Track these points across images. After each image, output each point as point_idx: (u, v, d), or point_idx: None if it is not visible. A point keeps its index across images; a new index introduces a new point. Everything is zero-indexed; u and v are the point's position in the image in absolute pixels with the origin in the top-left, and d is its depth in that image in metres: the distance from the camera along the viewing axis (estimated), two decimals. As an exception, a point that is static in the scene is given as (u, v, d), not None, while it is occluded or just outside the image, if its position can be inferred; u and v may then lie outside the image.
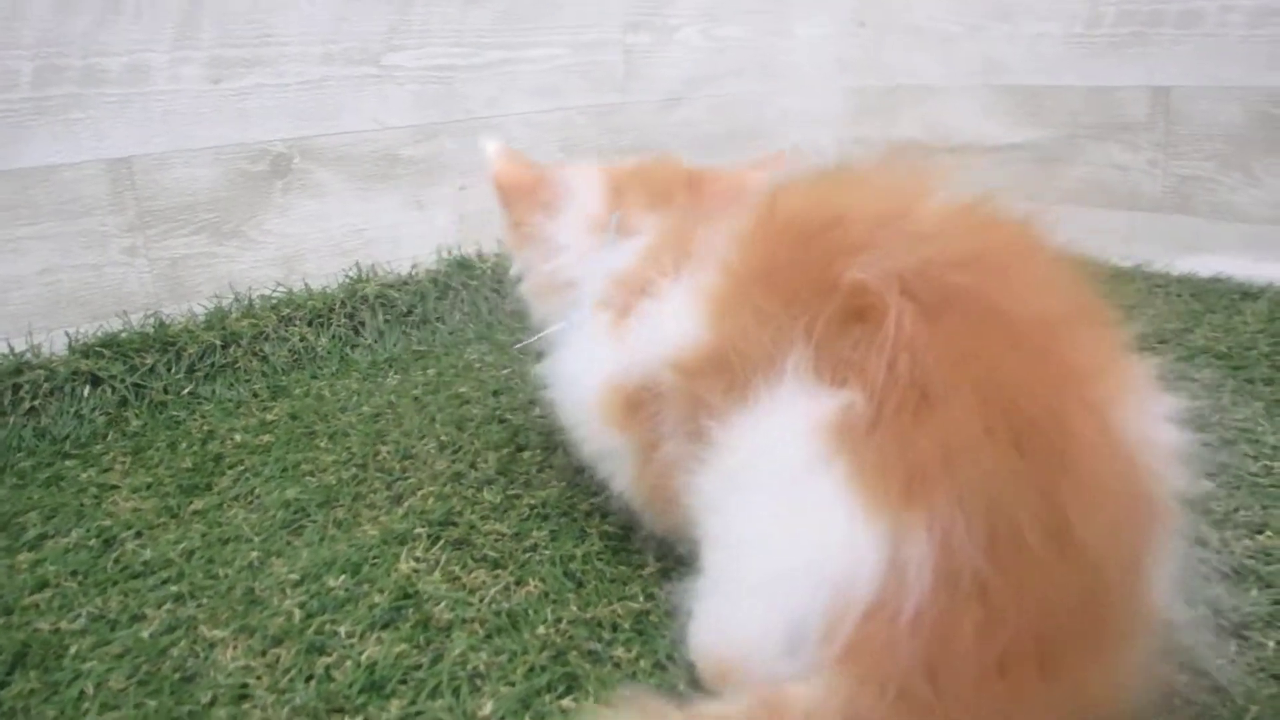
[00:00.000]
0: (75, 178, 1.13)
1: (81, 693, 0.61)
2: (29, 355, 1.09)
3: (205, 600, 0.72)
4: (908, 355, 0.47)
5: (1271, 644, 0.60)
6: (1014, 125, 1.57)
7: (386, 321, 1.29)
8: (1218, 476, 0.79)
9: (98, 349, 1.11)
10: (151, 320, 1.17)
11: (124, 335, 1.14)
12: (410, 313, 1.31)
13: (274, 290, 1.25)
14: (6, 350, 1.08)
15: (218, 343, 1.16)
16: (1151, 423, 0.48)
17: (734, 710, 0.46)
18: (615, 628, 0.66)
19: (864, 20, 1.77)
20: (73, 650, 0.66)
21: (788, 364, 0.50)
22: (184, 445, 1.01)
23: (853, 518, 0.45)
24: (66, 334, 1.12)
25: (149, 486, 0.92)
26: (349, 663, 0.63)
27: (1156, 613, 0.48)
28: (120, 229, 1.17)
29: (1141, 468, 0.46)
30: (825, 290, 0.51)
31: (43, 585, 0.76)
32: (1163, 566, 0.48)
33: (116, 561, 0.79)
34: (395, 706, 0.59)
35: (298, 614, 0.69)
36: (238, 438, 1.02)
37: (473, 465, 0.93)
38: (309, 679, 0.62)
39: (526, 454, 0.95)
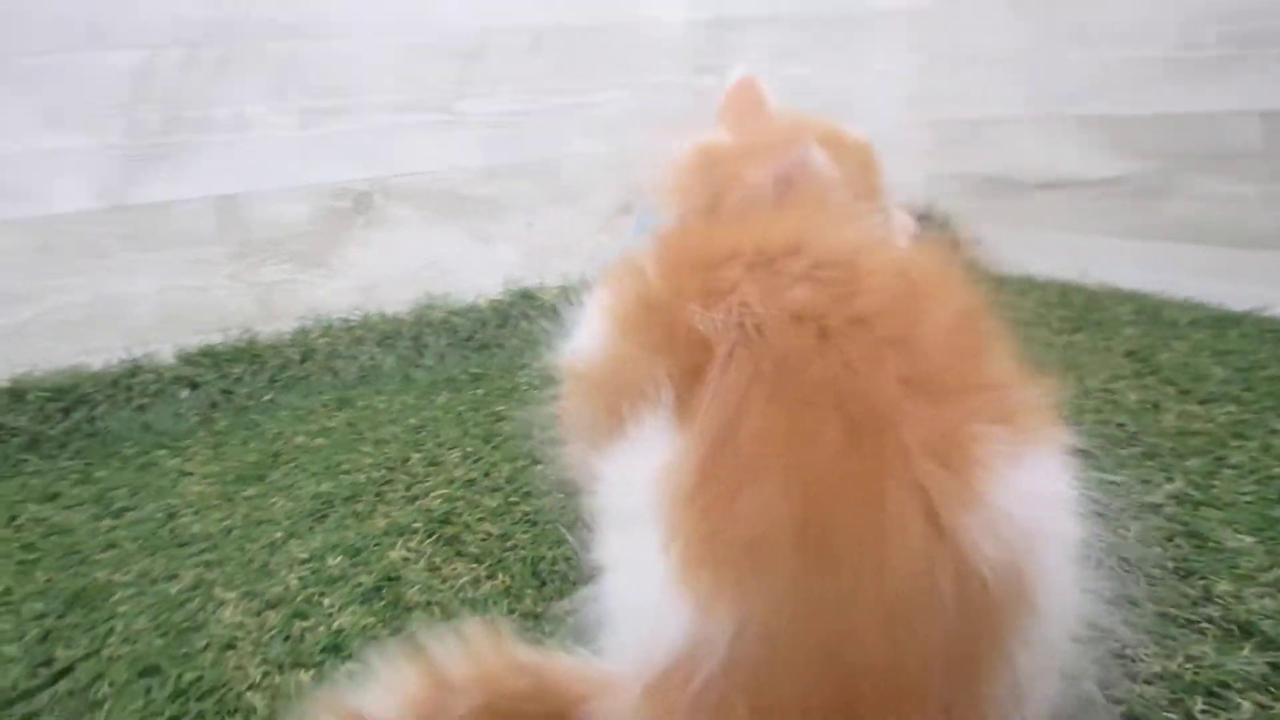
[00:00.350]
0: (188, 212, 1.32)
1: (111, 629, 0.75)
2: (144, 361, 1.28)
3: (228, 568, 0.85)
4: (728, 422, 0.45)
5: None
6: (1105, 158, 1.53)
7: (449, 345, 1.42)
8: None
9: (197, 358, 1.29)
10: (245, 336, 1.34)
11: (220, 348, 1.32)
12: (471, 338, 1.44)
13: (351, 314, 1.41)
14: (126, 356, 1.28)
15: (296, 358, 1.32)
16: (1023, 492, 0.44)
17: (553, 666, 0.51)
18: (561, 623, 0.72)
19: (938, 53, 1.78)
20: (116, 596, 0.81)
21: (657, 404, 0.48)
22: (254, 443, 1.16)
23: (667, 583, 0.44)
24: (174, 345, 1.31)
25: (216, 475, 1.07)
26: (321, 628, 0.74)
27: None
28: (223, 257, 1.35)
29: (981, 555, 0.41)
30: (682, 336, 0.49)
31: (111, 546, 0.91)
32: (1022, 655, 0.44)
33: (171, 532, 0.94)
34: (347, 665, 0.69)
35: (295, 585, 0.81)
36: (299, 440, 1.16)
37: (486, 474, 1.03)
38: (286, 638, 0.73)
39: (539, 467, 1.05)
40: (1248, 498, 0.82)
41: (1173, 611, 0.67)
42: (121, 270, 1.30)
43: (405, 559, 0.85)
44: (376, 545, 0.88)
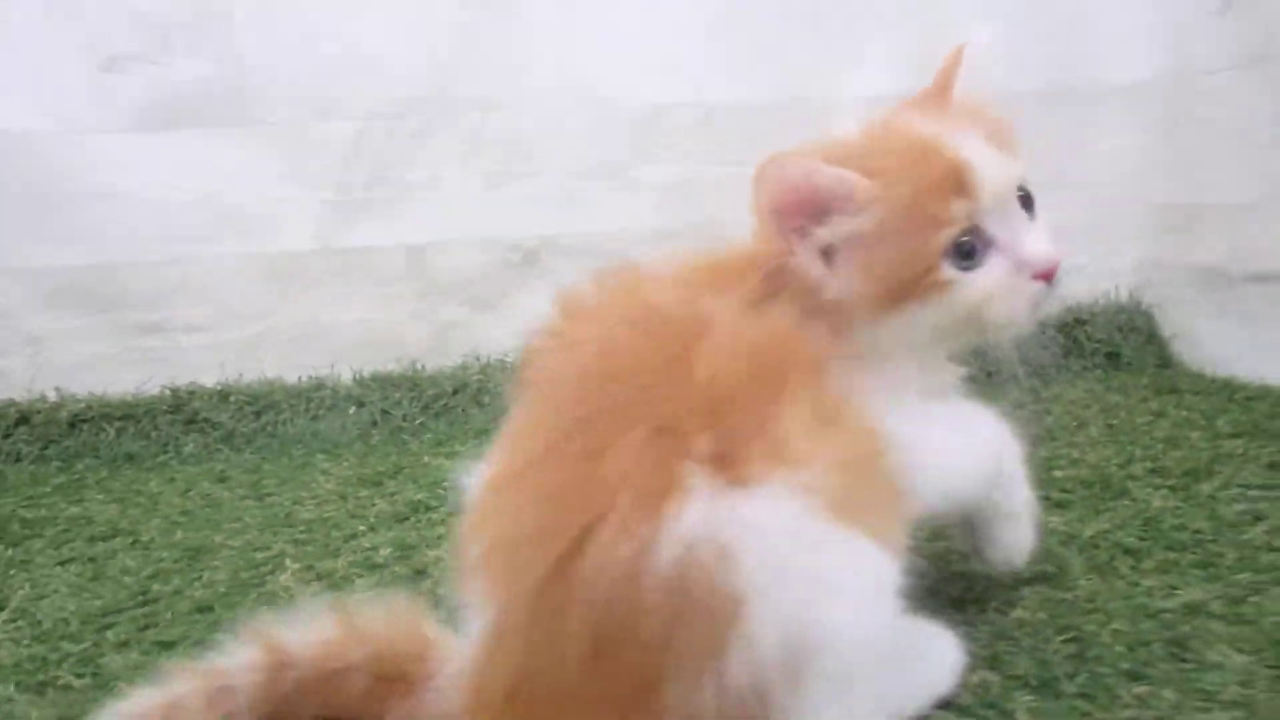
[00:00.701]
0: (384, 256, 1.54)
1: (199, 576, 0.92)
2: (326, 379, 1.50)
3: (308, 547, 0.99)
4: (508, 446, 0.57)
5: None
6: None
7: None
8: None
9: (369, 381, 1.49)
10: (414, 366, 1.53)
11: (390, 374, 1.51)
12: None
13: (508, 355, 1.56)
14: (313, 375, 1.50)
15: (450, 389, 1.48)
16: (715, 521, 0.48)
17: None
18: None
19: (1172, 128, 1.64)
20: (219, 555, 0.98)
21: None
22: (393, 458, 1.32)
23: (462, 581, 0.56)
24: (354, 367, 1.52)
25: (348, 478, 1.24)
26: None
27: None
28: (410, 296, 1.56)
29: (666, 571, 0.47)
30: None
31: (239, 519, 1.10)
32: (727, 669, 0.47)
33: (288, 516, 1.10)
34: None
35: (344, 566, 0.93)
36: (425, 459, 1.31)
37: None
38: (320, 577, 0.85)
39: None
40: None
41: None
42: (327, 301, 1.54)
43: (439, 559, 0.94)
44: (427, 546, 0.98)
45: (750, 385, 0.52)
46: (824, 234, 0.59)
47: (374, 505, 1.12)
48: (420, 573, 0.90)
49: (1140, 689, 0.61)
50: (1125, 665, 0.64)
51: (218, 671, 0.58)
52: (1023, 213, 0.63)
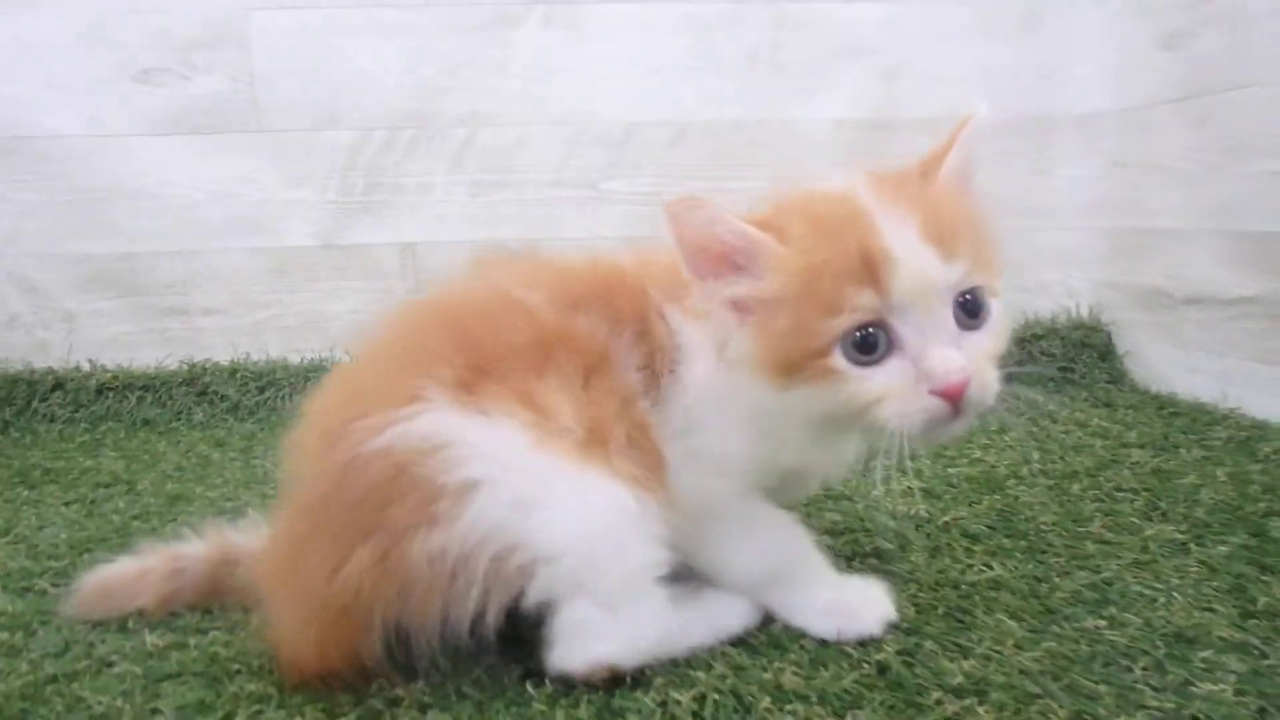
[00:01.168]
0: (379, 254, 1.71)
1: (175, 518, 1.08)
2: (325, 360, 1.67)
3: (269, 494, 1.15)
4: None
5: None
6: (1246, 275, 1.44)
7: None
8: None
9: (359, 364, 1.66)
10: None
11: (379, 359, 1.68)
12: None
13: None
14: (312, 357, 1.68)
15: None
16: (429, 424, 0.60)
17: None
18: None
19: (1123, 160, 1.74)
20: (195, 503, 1.15)
21: None
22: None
23: None
24: (346, 353, 1.69)
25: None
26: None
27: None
28: (402, 290, 1.72)
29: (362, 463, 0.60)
30: None
31: (221, 474, 1.27)
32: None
33: (265, 476, 1.27)
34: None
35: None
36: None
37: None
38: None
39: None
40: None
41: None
42: (327, 292, 1.71)
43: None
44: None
45: (520, 354, 0.64)
46: (727, 289, 0.62)
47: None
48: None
49: (908, 641, 0.70)
50: (905, 625, 0.73)
51: (178, 554, 0.81)
52: (949, 321, 0.60)
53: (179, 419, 1.59)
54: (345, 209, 1.70)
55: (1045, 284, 1.81)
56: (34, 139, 1.61)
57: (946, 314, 0.59)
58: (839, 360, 0.59)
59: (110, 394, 1.61)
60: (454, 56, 1.67)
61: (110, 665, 0.72)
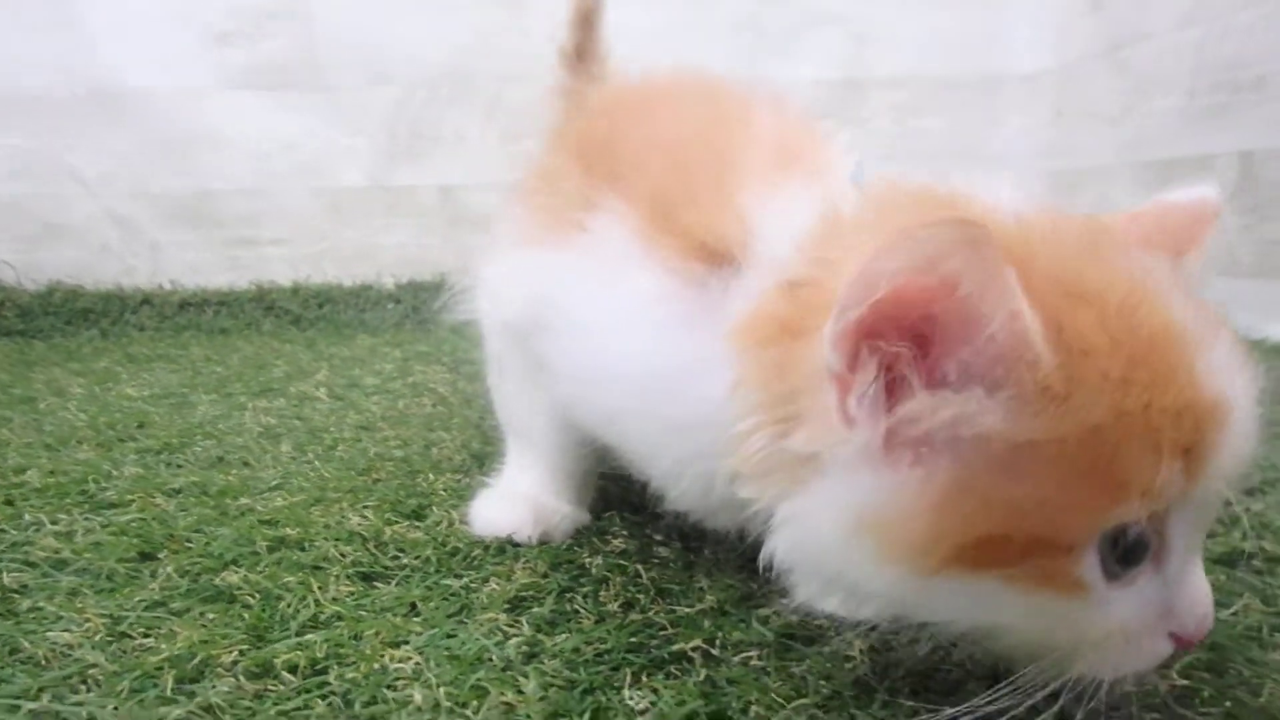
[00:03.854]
0: (422, 194, 1.98)
1: (189, 418, 1.35)
2: (374, 284, 1.94)
3: (335, 365, 1.42)
4: None
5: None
6: (1148, 198, 1.70)
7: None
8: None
9: (405, 286, 1.94)
10: (440, 275, 1.96)
11: (420, 281, 1.94)
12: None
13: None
14: (365, 281, 1.95)
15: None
16: None
17: None
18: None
19: (1063, 109, 1.98)
20: (238, 399, 1.41)
21: None
22: (417, 336, 1.75)
23: None
24: (395, 277, 1.96)
25: (377, 343, 1.67)
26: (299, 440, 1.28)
27: None
28: (441, 225, 1.99)
29: None
30: None
31: (292, 359, 1.53)
32: None
33: (330, 356, 1.53)
34: (373, 389, 1.21)
35: (323, 410, 1.35)
36: (420, 349, 1.73)
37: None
38: (345, 387, 1.28)
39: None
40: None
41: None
42: (378, 227, 1.98)
43: (426, 382, 1.36)
44: (418, 373, 1.40)
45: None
46: (929, 400, 0.36)
47: (393, 354, 1.55)
48: (413, 386, 1.31)
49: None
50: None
51: None
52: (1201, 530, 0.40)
53: (250, 329, 1.86)
54: (392, 155, 1.97)
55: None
56: (127, 94, 1.88)
57: (1209, 516, 0.40)
58: (1089, 569, 0.37)
59: (190, 309, 1.88)
60: (484, 24, 1.94)
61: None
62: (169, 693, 0.47)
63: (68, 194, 1.90)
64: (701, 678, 0.47)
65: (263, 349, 1.64)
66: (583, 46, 0.89)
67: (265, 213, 1.96)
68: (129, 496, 0.77)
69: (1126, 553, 0.37)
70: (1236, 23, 1.47)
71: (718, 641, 0.51)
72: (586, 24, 0.88)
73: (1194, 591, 0.38)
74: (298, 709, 0.45)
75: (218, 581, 0.60)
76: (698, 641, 0.50)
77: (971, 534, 0.35)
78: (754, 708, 0.45)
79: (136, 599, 0.57)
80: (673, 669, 0.48)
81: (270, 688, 0.47)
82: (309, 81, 1.92)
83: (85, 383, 1.31)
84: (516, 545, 0.66)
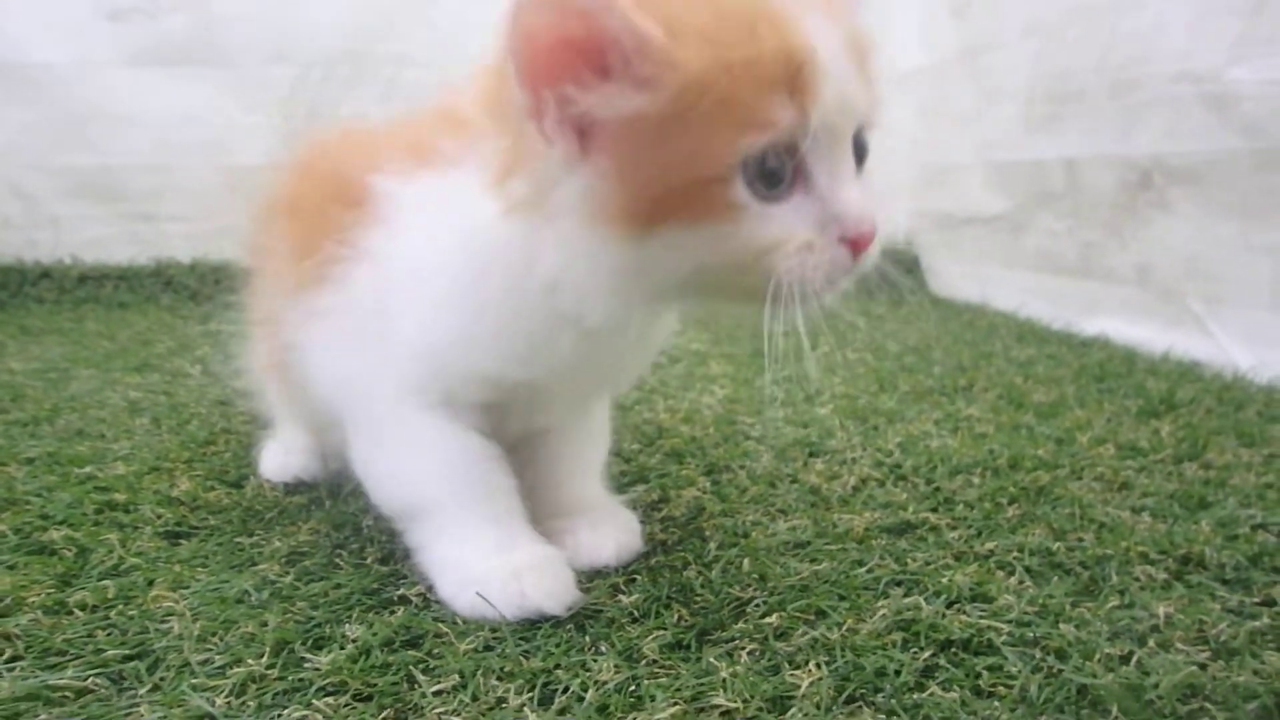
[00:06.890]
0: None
1: (171, 387, 1.43)
2: (271, 262, 2.01)
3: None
4: None
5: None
6: (997, 197, 1.84)
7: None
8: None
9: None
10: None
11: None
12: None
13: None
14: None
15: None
16: None
17: None
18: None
19: (931, 108, 2.11)
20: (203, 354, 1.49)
21: None
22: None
23: None
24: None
25: (269, 320, 1.74)
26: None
27: None
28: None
29: None
30: None
31: (179, 332, 1.60)
32: None
33: (215, 334, 1.61)
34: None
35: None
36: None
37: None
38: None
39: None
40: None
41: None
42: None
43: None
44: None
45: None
46: (590, 101, 0.46)
47: (278, 331, 1.63)
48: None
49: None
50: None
51: None
52: (850, 157, 0.50)
53: (149, 302, 1.92)
54: (288, 133, 2.03)
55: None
56: (28, 67, 1.91)
57: (849, 149, 0.50)
58: (739, 192, 0.46)
59: (90, 282, 1.93)
60: (384, 5, 2.00)
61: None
62: (-26, 624, 0.56)
63: (-33, 167, 1.94)
64: (416, 614, 0.58)
65: (155, 324, 1.70)
66: None
67: (166, 188, 2.01)
68: (-17, 464, 0.85)
69: (769, 175, 0.47)
70: (1065, 38, 1.60)
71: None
72: None
73: (850, 203, 0.48)
74: (80, 636, 0.55)
75: (43, 538, 0.69)
76: (420, 589, 0.61)
77: (653, 190, 0.46)
78: (447, 632, 0.56)
79: (-33, 552, 0.66)
80: (396, 609, 0.59)
81: (63, 621, 0.57)
82: (206, 59, 1.97)
83: (-29, 355, 1.37)
84: (309, 508, 0.77)
